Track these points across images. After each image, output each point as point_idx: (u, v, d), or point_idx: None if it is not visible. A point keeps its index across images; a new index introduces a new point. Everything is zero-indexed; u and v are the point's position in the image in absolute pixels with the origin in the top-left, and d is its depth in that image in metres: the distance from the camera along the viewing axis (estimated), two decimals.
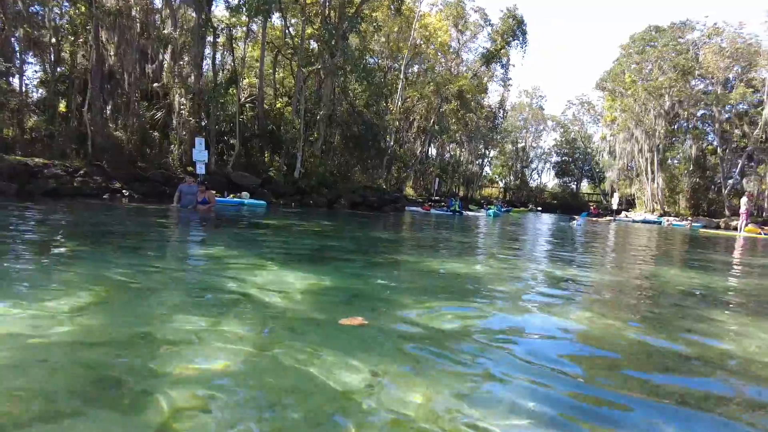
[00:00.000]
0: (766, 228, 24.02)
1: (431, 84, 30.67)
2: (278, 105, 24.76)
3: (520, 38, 34.45)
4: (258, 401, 1.71)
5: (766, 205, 34.24)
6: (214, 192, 12.23)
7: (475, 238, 10.96)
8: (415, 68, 33.83)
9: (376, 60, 30.88)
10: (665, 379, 2.29)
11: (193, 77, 20.09)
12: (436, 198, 35.93)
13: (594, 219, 32.59)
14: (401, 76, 29.79)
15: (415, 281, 4.51)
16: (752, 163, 36.92)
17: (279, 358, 2.13)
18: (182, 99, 19.51)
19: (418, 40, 30.31)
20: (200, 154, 16.16)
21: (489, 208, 28.98)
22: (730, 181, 36.94)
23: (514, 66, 56.09)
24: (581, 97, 63.17)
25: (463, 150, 48.26)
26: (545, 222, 23.81)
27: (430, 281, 4.54)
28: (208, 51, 22.57)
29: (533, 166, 66.41)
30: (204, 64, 22.29)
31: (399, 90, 29.61)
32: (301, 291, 3.54)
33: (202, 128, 20.87)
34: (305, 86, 22.89)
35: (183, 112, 19.52)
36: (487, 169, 59.47)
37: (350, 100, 25.87)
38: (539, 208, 45.95)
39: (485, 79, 39.19)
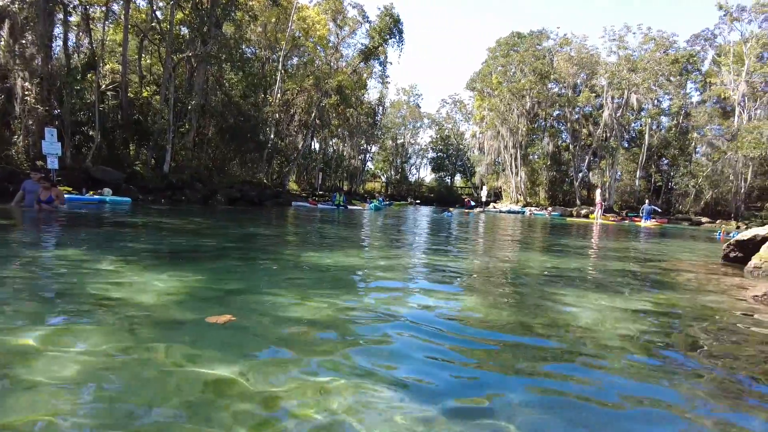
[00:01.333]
0: (612, 216, 27.73)
1: (311, 77, 30.45)
2: (145, 93, 22.87)
3: (397, 37, 35.57)
4: (119, 404, 1.63)
5: (607, 195, 39.33)
6: (60, 189, 10.82)
7: (357, 231, 11.17)
8: (295, 60, 33.33)
9: (254, 50, 29.86)
10: (526, 351, 2.59)
11: (39, 59, 17.72)
12: (321, 192, 35.87)
13: (468, 210, 34.91)
14: (280, 68, 29.15)
15: (294, 275, 4.51)
16: (596, 159, 42.25)
17: (143, 359, 2.04)
18: (26, 83, 17.12)
19: (296, 33, 29.88)
20: (51, 146, 14.34)
21: (371, 202, 29.65)
22: (580, 174, 41.88)
23: (391, 64, 57.89)
24: (454, 97, 67.02)
25: (345, 145, 48.68)
26: (424, 214, 24.98)
27: (309, 275, 4.55)
28: (59, 31, 20.03)
29: (412, 161, 69.19)
30: (54, 45, 19.76)
31: (278, 82, 28.95)
32: (169, 292, 3.36)
33: (54, 117, 18.52)
34: (175, 74, 21.39)
35: (28, 98, 17.14)
36: (369, 164, 60.75)
37: (225, 91, 24.75)
38: (418, 201, 48.03)
39: (364, 75, 39.86)
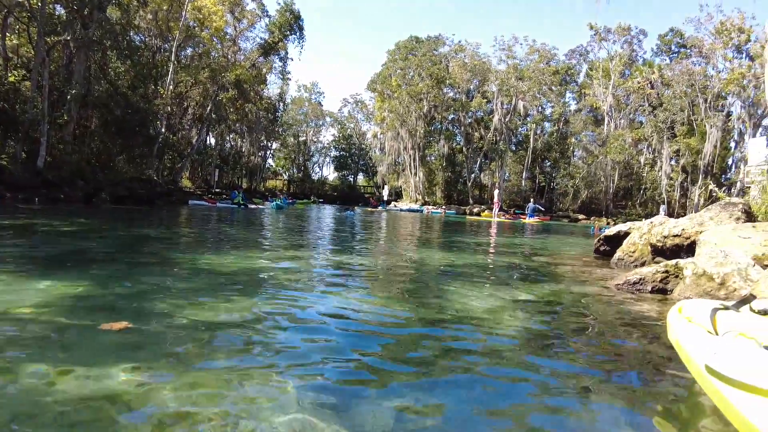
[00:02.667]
0: (505, 213, 29.72)
1: (206, 70, 29.04)
2: (11, 78, 20.31)
3: (298, 33, 35.13)
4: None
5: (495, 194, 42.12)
6: None
7: (259, 231, 10.92)
8: (189, 51, 31.56)
9: (143, 38, 27.81)
10: (423, 344, 2.76)
11: None
12: (217, 190, 34.35)
13: (371, 209, 35.49)
14: (172, 59, 27.44)
15: (194, 279, 4.34)
16: (487, 161, 45.08)
17: (25, 374, 1.88)
18: None
19: (191, 22, 28.30)
20: None
21: (273, 200, 29.00)
22: (473, 175, 44.36)
23: (292, 60, 56.72)
24: (355, 96, 67.49)
25: (244, 141, 47.04)
26: (327, 213, 24.97)
27: (209, 278, 4.41)
28: None
29: (315, 159, 68.64)
30: None
31: (170, 73, 27.22)
32: (51, 301, 3.11)
33: None
34: (50, 59, 19.27)
35: None
36: (270, 161, 59.24)
37: (111, 80, 22.77)
38: (321, 200, 47.83)
39: (264, 70, 38.85)
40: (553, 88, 43.45)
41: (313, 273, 5.12)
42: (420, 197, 43.84)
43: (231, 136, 45.37)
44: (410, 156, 44.47)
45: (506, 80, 41.34)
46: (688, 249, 6.41)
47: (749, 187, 9.22)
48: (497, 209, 28.74)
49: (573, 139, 44.19)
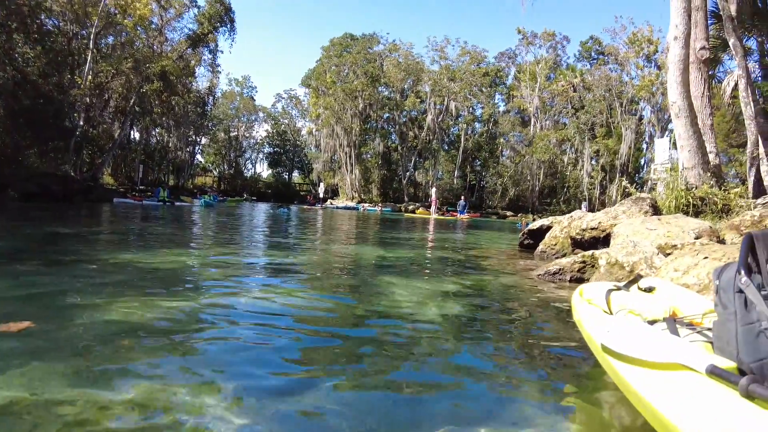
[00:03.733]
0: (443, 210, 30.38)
1: (130, 60, 27.43)
2: None
3: (228, 25, 33.97)
4: None
5: (430, 191, 43.03)
6: None
7: (186, 229, 10.49)
8: (110, 40, 29.66)
9: (56, 22, 25.79)
10: (359, 332, 2.76)
11: None
12: (142, 187, 32.62)
13: (307, 207, 35.10)
14: (91, 47, 25.67)
15: (112, 278, 4.08)
16: (421, 159, 45.93)
17: None
18: None
19: (111, 9, 26.60)
20: None
21: (202, 198, 27.91)
22: (408, 174, 45.02)
23: (222, 53, 54.93)
24: (289, 92, 66.36)
25: (171, 135, 44.92)
26: (260, 210, 24.40)
27: (129, 276, 4.17)
28: None
29: (247, 155, 66.77)
30: None
31: (89, 62, 25.45)
32: None
33: None
34: None
35: None
36: (199, 157, 56.96)
37: (19, 67, 20.94)
38: (254, 198, 46.65)
39: (192, 62, 37.27)
40: (483, 89, 44.98)
41: (243, 270, 4.98)
42: (356, 195, 43.91)
43: (156, 130, 43.16)
44: (346, 153, 44.41)
45: (439, 81, 42.30)
46: (604, 240, 6.85)
47: (656, 183, 10.00)
48: (435, 207, 29.37)
49: (502, 139, 46.00)
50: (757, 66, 15.20)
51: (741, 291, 1.29)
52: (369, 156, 46.34)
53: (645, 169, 37.67)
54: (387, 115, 46.24)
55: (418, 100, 44.19)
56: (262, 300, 3.48)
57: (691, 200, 7.97)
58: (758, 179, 10.49)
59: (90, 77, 25.71)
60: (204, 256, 5.87)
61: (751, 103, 10.93)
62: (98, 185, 25.61)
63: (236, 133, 61.70)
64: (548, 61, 43.66)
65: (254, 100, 63.07)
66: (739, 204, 7.97)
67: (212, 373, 1.98)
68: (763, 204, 7.54)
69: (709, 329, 1.58)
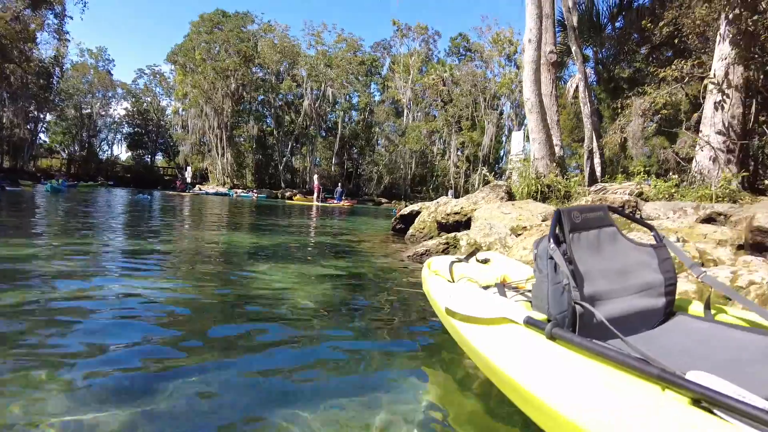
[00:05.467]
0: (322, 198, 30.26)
1: None
2: None
3: None
4: None
5: (307, 178, 42.74)
6: None
7: (27, 217, 9.27)
8: None
9: None
10: (231, 318, 2.76)
11: None
12: None
13: (174, 192, 32.75)
14: None
15: None
16: (298, 145, 45.37)
17: None
18: None
19: None
20: None
21: (47, 183, 24.65)
22: (285, 159, 44.21)
23: (72, 19, 48.46)
24: (153, 68, 60.87)
25: (6, 110, 38.79)
26: (118, 197, 22.29)
27: None
28: None
29: (102, 136, 60.07)
30: None
31: None
32: None
33: None
34: None
35: None
36: (42, 136, 49.99)
37: None
38: (111, 182, 42.31)
39: (33, 26, 32.48)
40: (359, 77, 45.61)
41: (97, 261, 4.62)
42: (228, 180, 42.00)
43: None
44: (217, 136, 42.17)
45: (316, 66, 41.97)
46: (466, 224, 7.50)
47: (512, 172, 11.12)
48: (318, 193, 29.24)
49: (377, 129, 47.19)
50: (593, 71, 17.50)
51: (551, 257, 1.60)
52: (242, 139, 44.52)
53: (504, 160, 41.33)
54: (262, 97, 44.72)
55: (295, 84, 43.43)
56: (119, 291, 3.30)
57: (540, 187, 9.02)
58: (592, 170, 12.17)
59: None
60: (52, 246, 5.31)
61: (588, 104, 12.61)
62: None
63: (90, 110, 55.17)
64: (421, 54, 45.61)
65: (111, 75, 56.78)
66: (577, 191, 9.22)
67: (60, 372, 1.89)
68: (595, 191, 8.82)
69: (530, 291, 1.92)
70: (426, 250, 5.83)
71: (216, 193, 35.40)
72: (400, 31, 45.94)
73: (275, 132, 44.12)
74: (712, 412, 1.09)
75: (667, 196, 8.13)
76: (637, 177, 9.50)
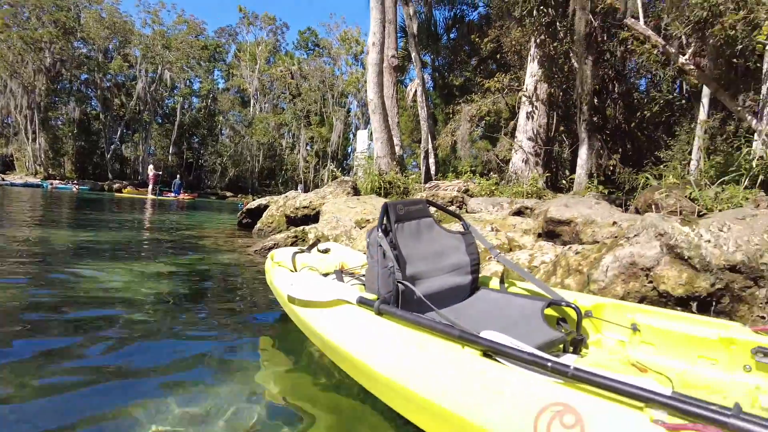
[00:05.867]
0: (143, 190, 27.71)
1: None
2: None
3: None
4: None
5: (140, 169, 39.02)
6: None
7: None
8: None
9: None
10: (56, 327, 2.53)
11: None
12: None
13: None
14: None
15: None
16: (129, 131, 41.08)
17: None
18: None
19: None
20: None
21: None
22: (113, 147, 39.68)
23: None
24: None
25: None
26: None
27: None
28: None
29: None
30: None
31: None
32: None
33: None
34: None
35: None
36: None
37: None
38: None
39: None
40: (201, 63, 42.94)
41: None
42: (41, 169, 36.33)
43: None
44: (26, 117, 36.14)
45: (152, 46, 38.42)
46: (314, 218, 7.69)
47: (358, 169, 11.63)
48: (153, 185, 26.61)
49: (221, 117, 44.94)
50: (430, 77, 18.98)
51: (380, 245, 1.86)
52: (60, 122, 38.86)
53: (351, 157, 42.57)
54: (86, 76, 39.47)
55: (127, 64, 39.13)
56: None
57: (382, 184, 9.61)
58: (428, 168, 13.28)
59: None
60: None
61: (425, 108, 13.70)
62: None
63: None
64: (268, 44, 44.54)
65: None
66: (415, 187, 10.04)
67: None
68: (429, 187, 9.67)
69: (364, 275, 2.18)
70: (274, 244, 5.89)
71: (25, 185, 30.42)
72: (247, 19, 44.38)
73: (102, 116, 39.32)
74: (496, 360, 1.42)
75: (488, 192, 9.30)
76: (465, 176, 10.68)
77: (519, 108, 10.88)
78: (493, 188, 9.56)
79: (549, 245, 4.15)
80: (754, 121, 5.30)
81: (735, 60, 6.15)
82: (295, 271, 2.48)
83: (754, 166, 4.61)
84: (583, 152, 9.39)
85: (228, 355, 2.27)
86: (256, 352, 2.32)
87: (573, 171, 9.76)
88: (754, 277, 2.32)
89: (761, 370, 1.67)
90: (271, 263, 2.74)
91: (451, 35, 18.16)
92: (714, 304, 2.39)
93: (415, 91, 14.86)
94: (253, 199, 12.82)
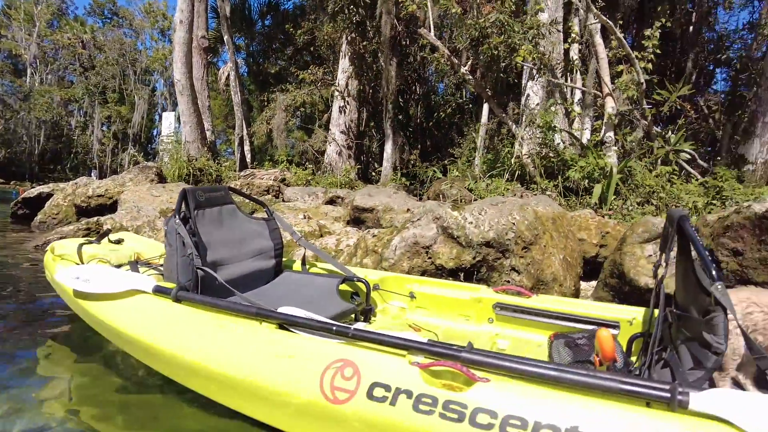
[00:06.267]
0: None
1: None
2: None
3: None
4: None
5: None
6: None
7: None
8: None
9: None
10: None
11: None
12: None
13: None
14: None
15: None
16: None
17: None
18: None
19: None
20: None
21: None
22: None
23: None
24: None
25: None
26: None
27: None
28: None
29: None
30: None
31: None
32: None
33: None
34: None
35: None
36: None
37: None
38: None
39: None
40: None
41: None
42: None
43: None
44: None
45: None
46: (111, 207, 6.97)
47: (164, 154, 10.79)
48: None
49: None
50: (244, 63, 18.42)
51: (178, 232, 1.88)
52: None
53: (156, 141, 38.92)
54: None
55: None
56: None
57: (192, 170, 9.12)
58: (243, 156, 12.96)
59: None
60: None
61: (239, 93, 13.29)
62: None
63: None
64: (52, 5, 37.84)
65: None
66: (228, 175, 9.74)
67: None
68: (245, 176, 9.50)
69: (162, 265, 2.16)
70: (62, 237, 5.21)
71: None
72: None
73: None
74: (290, 331, 1.59)
75: (305, 182, 9.54)
76: (281, 165, 10.75)
77: (332, 101, 11.30)
78: (309, 178, 9.82)
79: (354, 230, 4.52)
80: (515, 127, 6.48)
81: (502, 75, 7.37)
82: (82, 263, 2.29)
83: (513, 163, 5.67)
84: (388, 147, 10.21)
85: (6, 374, 2.00)
86: (44, 363, 2.11)
87: (381, 164, 10.53)
88: (502, 250, 2.94)
89: (500, 321, 2.17)
90: (51, 257, 2.48)
91: (266, 22, 17.85)
92: (475, 273, 2.94)
93: (228, 75, 14.27)
94: (32, 187, 10.96)
